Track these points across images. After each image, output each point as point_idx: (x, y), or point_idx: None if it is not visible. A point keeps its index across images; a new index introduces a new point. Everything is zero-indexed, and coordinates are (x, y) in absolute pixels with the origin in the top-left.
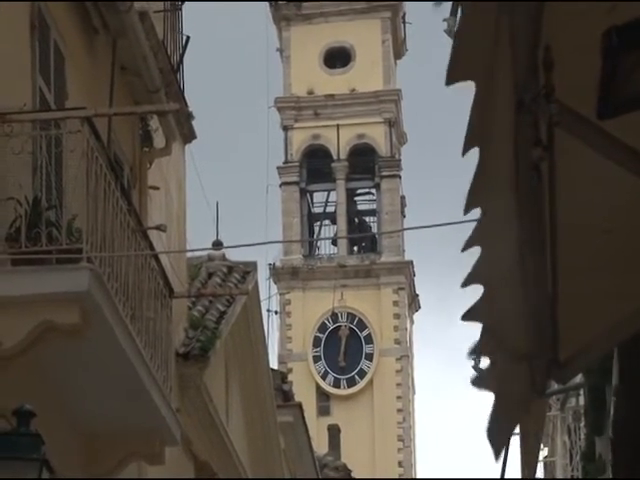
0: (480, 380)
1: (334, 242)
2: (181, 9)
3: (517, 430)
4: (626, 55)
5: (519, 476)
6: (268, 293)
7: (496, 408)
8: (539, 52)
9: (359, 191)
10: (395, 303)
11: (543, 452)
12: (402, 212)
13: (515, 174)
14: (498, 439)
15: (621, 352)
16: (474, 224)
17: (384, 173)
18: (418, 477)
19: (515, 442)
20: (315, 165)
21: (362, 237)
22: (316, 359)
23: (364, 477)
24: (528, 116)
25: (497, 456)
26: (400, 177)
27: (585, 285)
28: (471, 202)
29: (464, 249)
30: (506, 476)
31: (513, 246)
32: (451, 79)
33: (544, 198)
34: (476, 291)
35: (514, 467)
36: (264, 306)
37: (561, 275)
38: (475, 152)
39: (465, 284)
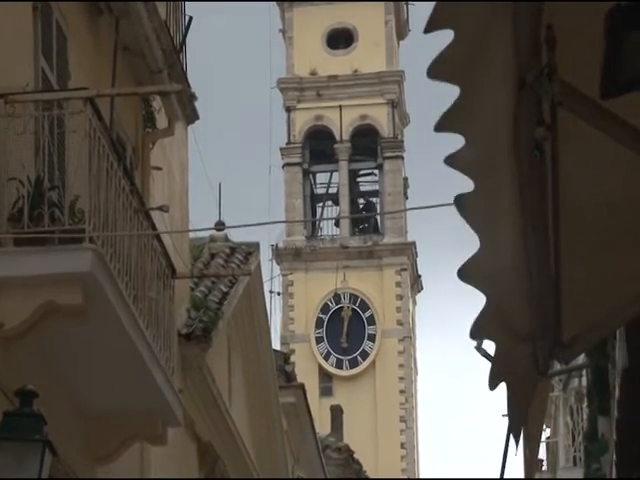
0: (478, 331)
1: (337, 223)
2: None
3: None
4: (630, 34)
5: (521, 456)
6: (271, 274)
7: (509, 394)
8: (541, 30)
9: (362, 172)
10: (397, 284)
11: (545, 433)
12: (405, 193)
13: (516, 153)
14: (514, 423)
15: (629, 333)
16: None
17: (387, 154)
18: (420, 478)
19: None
20: (318, 146)
21: (365, 218)
22: (318, 340)
23: (367, 459)
24: (531, 95)
25: (516, 440)
26: (403, 158)
27: (588, 265)
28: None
29: (457, 204)
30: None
31: (515, 226)
32: (431, 27)
33: (547, 177)
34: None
35: (516, 447)
36: (266, 287)
37: (564, 255)
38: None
39: (462, 277)
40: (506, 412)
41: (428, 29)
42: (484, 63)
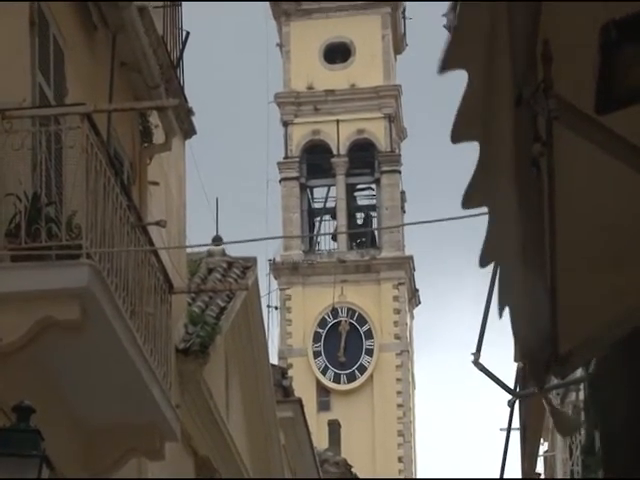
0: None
1: (334, 237)
2: (181, 4)
3: (517, 425)
4: (624, 49)
5: (519, 470)
6: (268, 289)
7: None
8: (538, 46)
9: (359, 186)
10: (395, 298)
11: (543, 446)
12: (402, 207)
13: (515, 170)
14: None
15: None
16: (474, 219)
17: (384, 168)
18: (419, 477)
19: (515, 437)
20: (315, 160)
21: (362, 232)
22: (316, 354)
23: (365, 473)
24: (527, 111)
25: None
26: (400, 172)
27: (585, 279)
28: (471, 199)
29: (482, 264)
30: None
31: (514, 242)
32: (445, 67)
33: (544, 193)
34: (480, 279)
35: (514, 461)
36: (264, 302)
37: (561, 269)
38: (473, 146)
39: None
40: (504, 427)
41: (442, 70)
42: (496, 105)
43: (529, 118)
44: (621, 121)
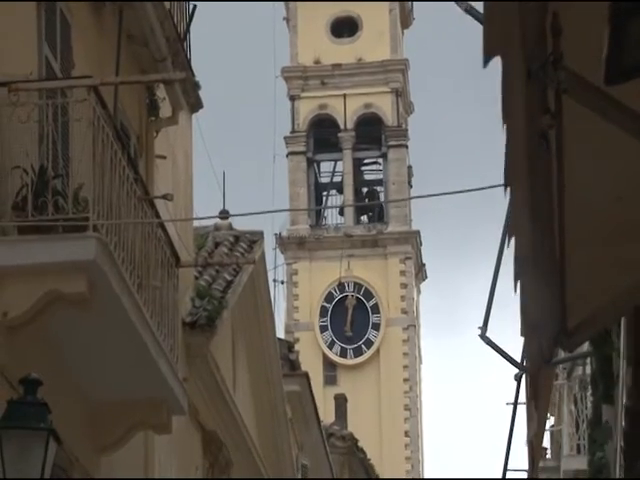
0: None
1: (341, 212)
2: None
3: (523, 399)
4: (634, 20)
5: (526, 444)
6: (274, 263)
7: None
8: (547, 19)
9: (366, 161)
10: (402, 273)
11: (549, 421)
12: (409, 182)
13: (526, 143)
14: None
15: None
16: (480, 194)
17: (391, 143)
18: (421, 478)
19: (522, 411)
20: (322, 135)
21: (369, 207)
22: (323, 329)
23: (371, 447)
24: (537, 84)
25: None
26: (407, 147)
27: (593, 254)
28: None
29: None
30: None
31: (524, 216)
32: (487, 56)
33: (553, 166)
34: (484, 266)
35: (521, 435)
36: (271, 276)
37: (569, 244)
38: (477, 124)
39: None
40: (511, 401)
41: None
42: None
43: (539, 91)
44: (630, 93)
